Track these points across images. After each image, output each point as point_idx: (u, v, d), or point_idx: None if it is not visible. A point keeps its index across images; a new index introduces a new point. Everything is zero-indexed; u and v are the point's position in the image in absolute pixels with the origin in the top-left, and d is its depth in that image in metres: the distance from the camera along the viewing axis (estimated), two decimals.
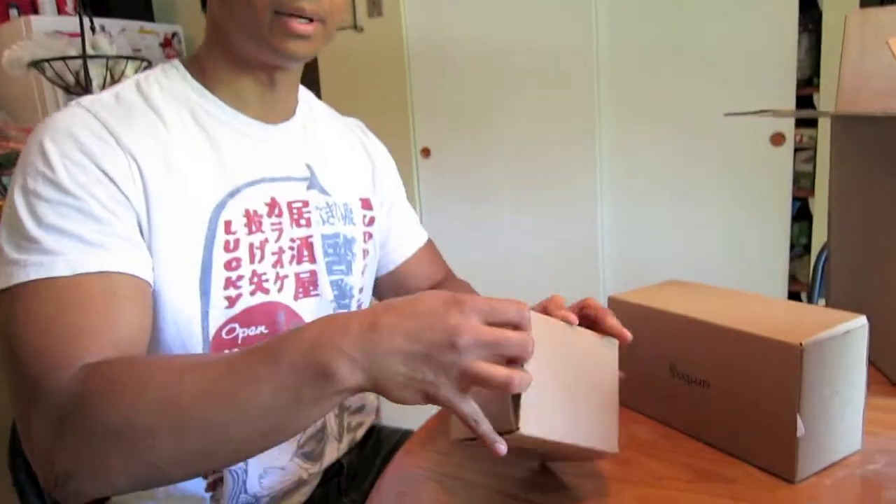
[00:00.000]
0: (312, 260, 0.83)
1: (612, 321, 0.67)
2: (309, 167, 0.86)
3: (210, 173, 0.74)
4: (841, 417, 0.64)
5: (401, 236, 1.04)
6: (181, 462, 0.56)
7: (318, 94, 0.99)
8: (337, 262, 0.87)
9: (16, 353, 0.60)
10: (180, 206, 0.71)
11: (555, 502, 0.63)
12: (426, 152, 2.78)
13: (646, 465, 0.68)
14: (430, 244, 1.09)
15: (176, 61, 0.80)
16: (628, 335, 0.66)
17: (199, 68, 0.79)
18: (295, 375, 0.52)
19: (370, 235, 0.94)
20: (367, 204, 0.94)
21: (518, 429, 0.52)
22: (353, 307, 0.91)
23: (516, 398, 0.53)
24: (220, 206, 0.74)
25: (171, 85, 0.77)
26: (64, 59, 1.61)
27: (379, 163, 1.00)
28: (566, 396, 0.58)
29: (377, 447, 1.03)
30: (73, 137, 0.66)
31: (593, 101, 2.37)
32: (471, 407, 0.52)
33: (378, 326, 0.51)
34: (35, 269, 0.61)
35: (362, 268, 0.92)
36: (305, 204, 0.83)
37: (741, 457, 0.67)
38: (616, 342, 0.66)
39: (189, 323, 0.72)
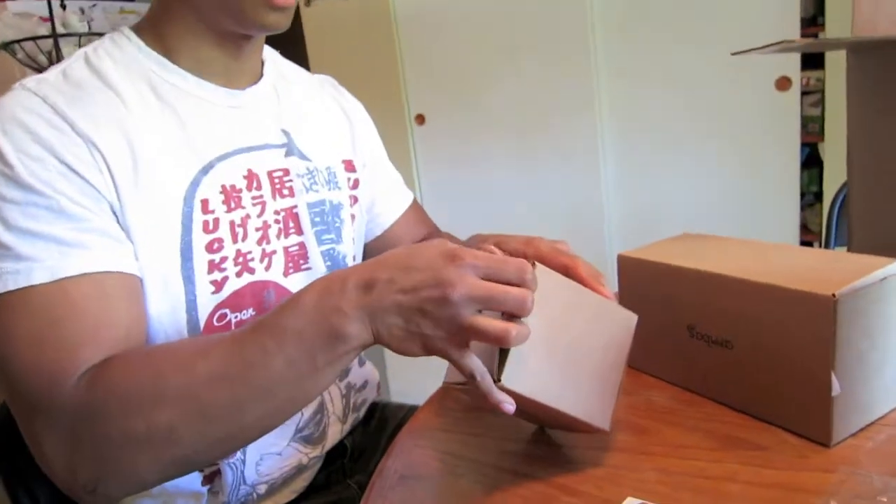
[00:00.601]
0: (300, 231, 0.78)
1: (584, 274, 0.62)
2: (285, 132, 0.80)
3: (178, 151, 0.68)
4: (880, 372, 0.59)
5: (386, 198, 0.99)
6: (207, 448, 0.56)
7: (307, 66, 0.93)
8: (326, 231, 0.81)
9: (8, 370, 0.57)
10: (151, 191, 0.65)
11: (564, 479, 0.58)
12: (420, 119, 2.70)
13: (665, 433, 0.63)
14: (415, 204, 1.04)
15: (126, 29, 0.73)
16: (606, 293, 0.62)
17: (156, 36, 0.72)
18: (305, 344, 0.52)
19: (356, 199, 0.89)
20: (350, 166, 0.89)
21: (499, 380, 0.51)
22: None
23: (504, 351, 0.52)
24: (194, 185, 0.68)
25: (124, 56, 0.70)
26: (34, 38, 1.53)
27: (356, 120, 0.94)
28: (560, 359, 0.55)
29: (382, 425, 0.98)
30: (24, 127, 0.60)
31: (590, 54, 2.29)
32: (472, 361, 0.51)
33: (374, 283, 0.52)
34: (12, 277, 0.57)
35: (352, 235, 0.87)
36: (286, 172, 0.77)
37: (770, 420, 0.62)
38: (635, 317, 0.60)
39: (174, 314, 0.67)
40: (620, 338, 0.60)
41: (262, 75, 0.80)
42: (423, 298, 0.50)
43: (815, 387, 0.57)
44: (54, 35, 1.54)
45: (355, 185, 0.89)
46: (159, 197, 0.66)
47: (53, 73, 0.67)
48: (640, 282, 0.73)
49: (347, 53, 2.73)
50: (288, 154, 0.79)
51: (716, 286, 0.64)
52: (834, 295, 0.54)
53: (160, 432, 0.54)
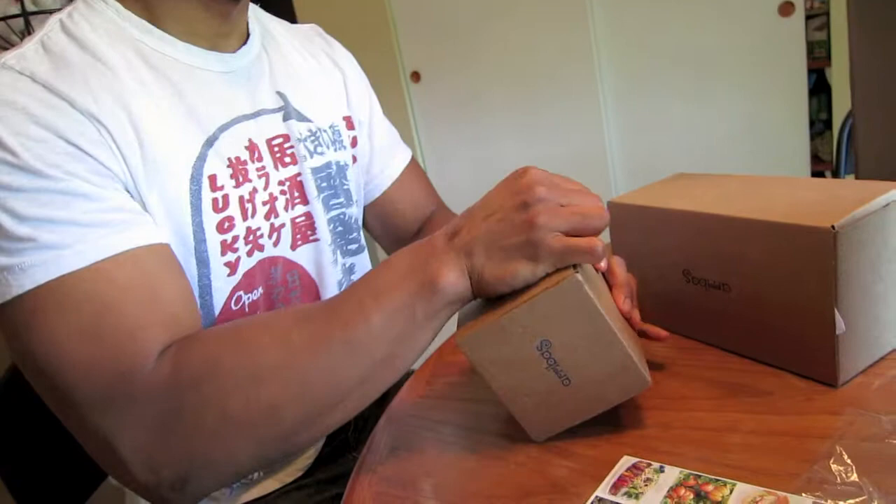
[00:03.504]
0: (305, 201, 0.74)
1: (619, 297, 0.58)
2: (281, 95, 0.75)
3: (180, 123, 0.63)
4: (886, 306, 0.55)
5: (385, 155, 0.94)
6: (307, 423, 0.53)
7: (294, 22, 0.88)
8: (334, 196, 0.78)
9: (60, 374, 0.51)
10: (157, 169, 0.60)
11: (559, 441, 0.55)
12: (416, 76, 2.64)
13: (664, 384, 0.60)
14: (415, 163, 0.99)
15: None
16: (636, 318, 0.59)
17: None
18: (402, 297, 0.51)
19: (355, 159, 0.85)
20: (350, 123, 0.85)
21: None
22: (362, 240, 0.84)
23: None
24: (201, 160, 0.64)
25: (103, 22, 0.63)
26: (4, 18, 1.48)
27: (349, 72, 0.89)
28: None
29: (384, 396, 0.96)
30: (19, 109, 0.53)
31: None
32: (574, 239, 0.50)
33: (459, 229, 0.53)
34: (41, 269, 0.51)
35: (356, 196, 0.84)
36: (286, 139, 0.73)
37: (773, 364, 0.59)
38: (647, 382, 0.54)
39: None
40: (617, 389, 0.53)
41: (248, 35, 0.75)
42: (506, 210, 0.51)
43: (819, 326, 0.53)
44: (24, 14, 1.49)
45: (354, 143, 0.85)
46: (166, 176, 0.61)
47: (30, 46, 0.59)
48: (632, 228, 0.69)
49: (336, 8, 2.65)
50: (286, 118, 0.74)
51: (709, 227, 0.60)
52: (833, 227, 0.50)
53: (261, 409, 0.50)
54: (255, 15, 0.80)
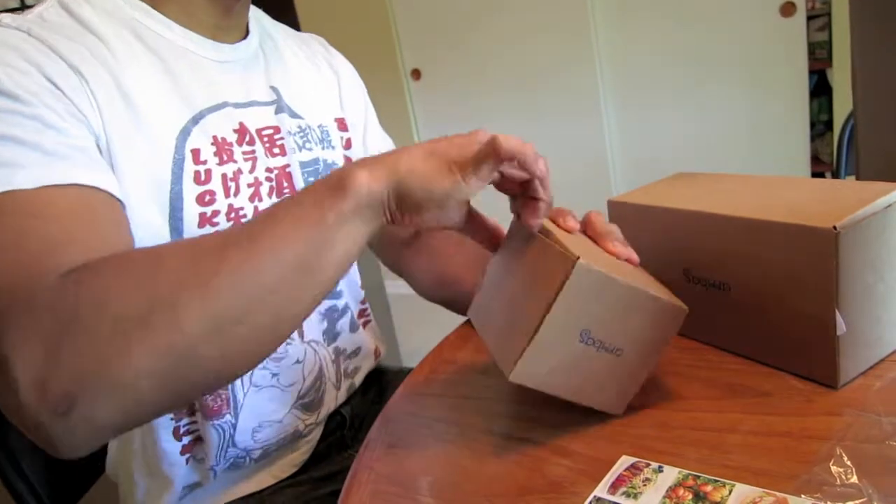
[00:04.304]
0: (293, 191, 0.75)
1: (612, 247, 0.58)
2: (274, 90, 0.77)
3: (167, 97, 0.65)
4: (887, 307, 0.55)
5: None
6: (212, 333, 0.46)
7: (296, 23, 0.89)
8: None
9: None
10: (140, 136, 0.62)
11: (557, 440, 0.55)
12: (416, 74, 2.63)
13: (664, 385, 0.60)
14: None
15: None
16: (635, 258, 0.58)
17: None
18: (312, 196, 0.50)
19: (349, 161, 0.85)
20: (342, 125, 0.85)
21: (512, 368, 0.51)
22: None
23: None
24: (185, 133, 0.65)
25: (103, 3, 0.66)
26: (2, 11, 1.48)
27: (345, 77, 0.90)
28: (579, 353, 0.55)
29: (381, 394, 0.96)
30: (11, 47, 0.57)
31: None
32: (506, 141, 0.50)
33: (394, 151, 0.53)
34: None
35: None
36: (276, 130, 0.75)
37: (773, 365, 0.59)
38: (684, 309, 0.56)
39: None
40: (663, 330, 0.55)
41: (247, 33, 0.77)
42: (446, 139, 0.52)
43: (820, 326, 0.53)
44: (24, 7, 1.49)
45: (348, 144, 0.86)
46: (148, 140, 0.62)
47: (30, 15, 0.62)
48: (632, 227, 0.68)
49: (337, 6, 2.65)
50: (278, 111, 0.76)
51: (709, 226, 0.60)
52: (835, 227, 0.50)
53: (161, 309, 0.45)
54: (257, 17, 0.82)
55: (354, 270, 0.88)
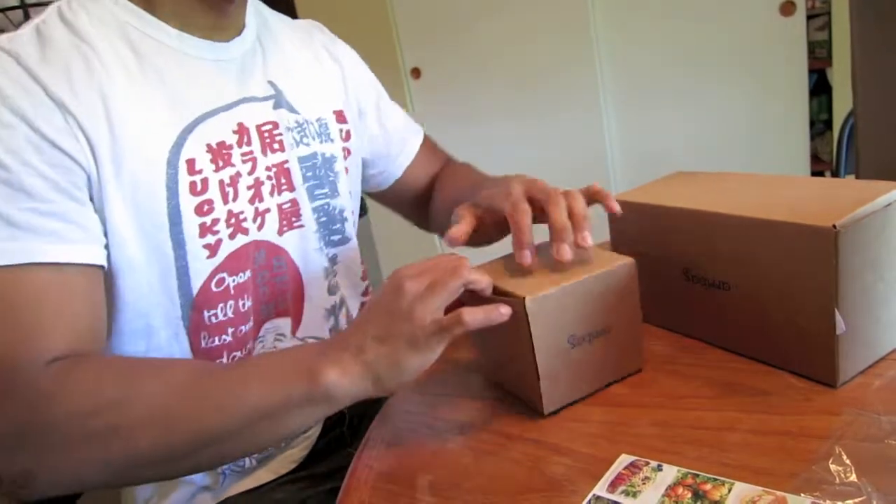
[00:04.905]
0: (291, 188, 0.75)
1: (558, 252, 0.60)
2: (272, 84, 0.76)
3: (159, 110, 0.65)
4: (887, 306, 0.55)
5: (400, 138, 0.95)
6: (161, 462, 0.55)
7: (295, 18, 0.88)
8: (318, 186, 0.79)
9: None
10: (131, 154, 0.62)
11: (556, 438, 0.55)
12: (416, 73, 2.63)
13: (663, 383, 0.60)
14: (426, 140, 1.00)
15: None
16: (586, 242, 0.61)
17: None
18: (285, 378, 0.54)
19: (349, 152, 0.85)
20: (341, 117, 0.85)
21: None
22: (348, 231, 0.84)
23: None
24: (178, 146, 0.65)
25: (99, 10, 0.65)
26: (3, 10, 1.48)
27: (347, 65, 0.89)
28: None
29: None
30: None
31: None
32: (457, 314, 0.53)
33: (345, 335, 0.56)
34: None
35: (348, 188, 0.84)
36: (275, 125, 0.74)
37: (772, 364, 0.59)
38: (630, 261, 0.61)
39: (165, 280, 0.65)
40: (624, 285, 0.60)
41: (244, 26, 0.76)
42: (383, 305, 0.55)
43: (819, 326, 0.53)
44: (24, 6, 1.49)
45: (347, 136, 0.85)
46: (140, 162, 0.62)
47: (27, 29, 0.62)
48: (632, 226, 0.69)
49: (337, 4, 2.64)
50: (276, 106, 0.75)
51: (709, 225, 0.60)
52: (834, 226, 0.50)
53: (121, 433, 0.52)
54: (257, 8, 0.81)
55: (356, 263, 0.88)
